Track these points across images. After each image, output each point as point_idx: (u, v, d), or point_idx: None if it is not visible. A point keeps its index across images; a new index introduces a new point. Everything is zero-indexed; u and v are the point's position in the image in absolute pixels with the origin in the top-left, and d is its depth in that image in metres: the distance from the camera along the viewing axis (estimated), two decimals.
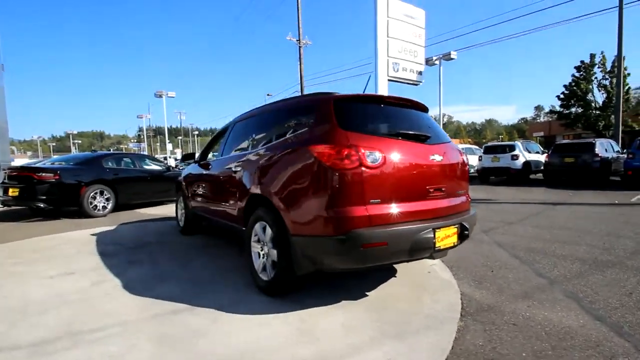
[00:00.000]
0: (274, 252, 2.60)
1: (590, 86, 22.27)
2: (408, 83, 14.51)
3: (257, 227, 2.85)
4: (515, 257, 3.68)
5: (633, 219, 5.67)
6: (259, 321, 2.33)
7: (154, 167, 8.86)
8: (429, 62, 17.90)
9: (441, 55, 18.31)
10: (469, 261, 3.57)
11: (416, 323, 2.30)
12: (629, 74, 20.42)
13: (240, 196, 3.12)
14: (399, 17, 14.33)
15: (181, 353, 1.96)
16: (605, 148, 11.06)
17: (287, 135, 2.71)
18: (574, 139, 19.73)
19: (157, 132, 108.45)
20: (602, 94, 22.14)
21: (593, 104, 22.33)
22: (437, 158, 2.54)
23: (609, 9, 13.35)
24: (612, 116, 21.78)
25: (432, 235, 2.28)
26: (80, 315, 2.44)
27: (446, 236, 2.41)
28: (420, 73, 15.22)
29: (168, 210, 7.76)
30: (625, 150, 11.67)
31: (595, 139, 11.63)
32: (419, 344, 2.03)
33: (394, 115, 2.64)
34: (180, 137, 64.04)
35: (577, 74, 22.44)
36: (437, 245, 2.32)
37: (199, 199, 4.44)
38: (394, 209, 2.27)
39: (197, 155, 4.85)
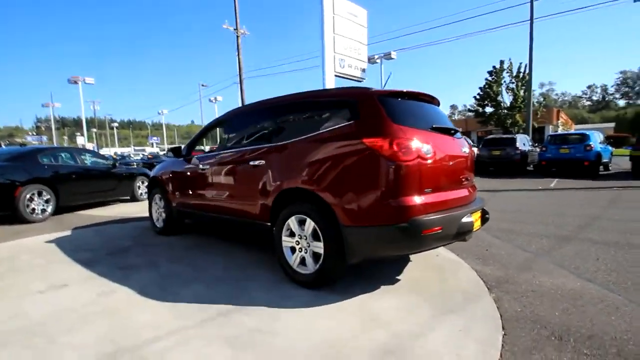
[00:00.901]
0: (319, 244, 2.63)
1: (500, 89, 25.83)
2: (353, 79, 15.08)
3: (292, 221, 2.83)
4: (496, 237, 4.24)
5: (561, 200, 6.87)
6: (319, 313, 2.36)
7: (98, 162, 7.87)
8: (371, 60, 18.81)
9: (382, 55, 19.40)
10: (461, 243, 4.00)
11: (458, 298, 2.57)
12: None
13: (266, 191, 3.04)
14: (344, 15, 14.71)
15: (265, 354, 1.92)
16: (523, 142, 13.05)
17: (327, 128, 2.73)
18: (487, 134, 22.78)
19: (62, 123, 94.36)
20: (510, 95, 25.87)
21: (502, 104, 25.98)
22: (465, 150, 2.84)
23: (521, 21, 15.67)
24: (518, 115, 25.51)
25: (472, 219, 2.57)
26: (117, 330, 2.18)
27: (475, 220, 2.72)
28: (363, 70, 15.85)
29: (118, 211, 7.02)
30: (537, 144, 13.90)
31: (516, 135, 13.63)
32: (473, 315, 2.30)
33: (423, 110, 2.85)
34: (94, 130, 56.70)
35: (489, 78, 25.85)
36: (474, 228, 2.62)
37: (189, 195, 4.15)
38: (441, 197, 2.50)
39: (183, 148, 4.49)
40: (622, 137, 35.33)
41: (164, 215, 4.67)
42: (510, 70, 24.99)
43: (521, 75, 24.50)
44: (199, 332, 2.14)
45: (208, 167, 3.81)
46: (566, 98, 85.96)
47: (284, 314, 2.36)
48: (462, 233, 2.56)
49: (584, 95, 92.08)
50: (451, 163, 2.66)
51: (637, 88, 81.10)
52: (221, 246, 4.05)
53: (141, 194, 8.55)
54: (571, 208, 6.07)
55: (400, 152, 2.32)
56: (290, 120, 3.16)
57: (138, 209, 7.08)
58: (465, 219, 2.53)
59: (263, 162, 3.11)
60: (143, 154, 28.64)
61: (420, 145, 2.41)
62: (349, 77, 14.93)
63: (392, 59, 18.96)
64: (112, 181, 7.75)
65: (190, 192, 4.14)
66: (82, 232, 5.06)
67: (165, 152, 38.36)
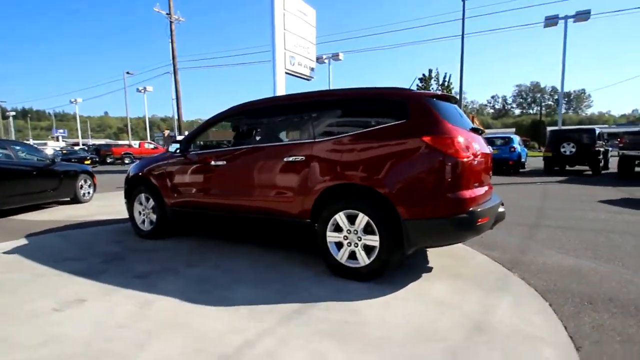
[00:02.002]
0: (373, 238, 2.74)
1: None
2: (302, 78, 15.27)
3: (339, 217, 2.88)
4: None
5: (505, 195, 7.97)
6: (388, 303, 2.48)
7: (34, 158, 6.67)
8: (319, 60, 19.11)
9: (330, 55, 19.84)
10: None
11: (491, 279, 2.92)
12: (452, 88, 27.21)
13: (307, 188, 3.03)
14: (294, 12, 14.79)
15: (370, 342, 1.98)
16: None
17: (377, 126, 2.85)
18: None
19: None
20: None
21: None
22: (489, 149, 3.21)
23: (453, 35, 17.54)
24: None
25: (504, 210, 2.94)
26: (199, 340, 2.01)
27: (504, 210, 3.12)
28: (312, 69, 16.15)
29: (65, 214, 6.13)
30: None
31: None
32: (516, 292, 2.65)
33: (456, 111, 3.13)
34: None
35: (420, 85, 28.38)
36: (504, 218, 3.00)
37: (193, 194, 3.86)
38: (481, 190, 2.81)
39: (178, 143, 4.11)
40: (524, 140, 42.13)
41: (154, 216, 4.24)
42: (437, 78, 27.73)
43: (446, 83, 27.36)
44: (290, 330, 2.10)
45: (223, 163, 3.60)
46: (475, 106, 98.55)
47: (356, 306, 2.42)
48: (497, 222, 2.91)
49: (489, 104, 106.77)
50: (483, 160, 3.00)
51: (529, 99, 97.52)
52: (233, 247, 3.86)
53: (84, 194, 7.53)
54: (519, 201, 7.11)
55: (460, 150, 2.56)
56: (329, 117, 3.18)
57: (86, 212, 6.29)
58: (500, 209, 2.89)
59: (302, 158, 3.08)
60: (55, 150, 24.70)
61: (470, 144, 2.69)
62: (298, 75, 15.05)
63: (339, 60, 19.56)
64: (52, 180, 6.67)
65: (196, 191, 3.85)
66: (45, 240, 4.32)
67: (83, 147, 33.63)
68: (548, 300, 2.52)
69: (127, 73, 35.18)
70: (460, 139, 2.60)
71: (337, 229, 2.94)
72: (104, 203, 7.43)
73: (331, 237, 2.95)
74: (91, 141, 52.61)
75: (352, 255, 2.88)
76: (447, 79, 27.31)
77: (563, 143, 12.07)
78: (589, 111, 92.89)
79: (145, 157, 4.63)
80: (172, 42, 23.49)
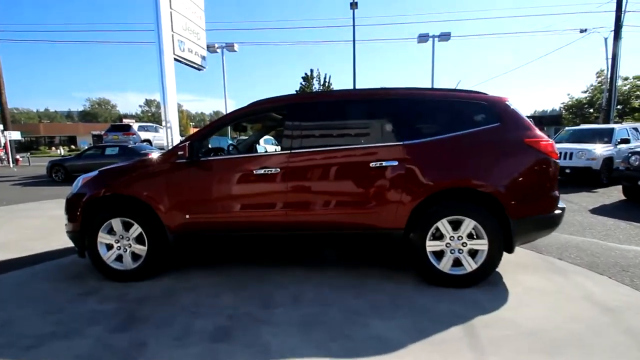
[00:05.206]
0: (480, 242, 2.72)
1: None
2: (193, 66, 13.61)
3: (442, 223, 2.73)
4: None
5: None
6: (521, 301, 2.52)
7: None
8: (210, 48, 17.22)
9: (224, 45, 18.06)
10: None
11: (557, 265, 3.25)
12: (332, 88, 29.29)
13: (404, 195, 2.72)
14: None
15: (550, 345, 1.96)
16: None
17: (478, 128, 2.80)
18: None
19: None
20: None
21: None
22: None
23: (345, 40, 18.53)
24: None
25: None
26: None
27: None
28: (204, 58, 14.61)
29: None
30: None
31: None
32: (586, 275, 3.04)
33: None
34: None
35: (303, 83, 29.33)
36: None
37: (226, 210, 2.95)
38: None
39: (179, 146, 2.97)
40: None
41: (141, 248, 3.02)
42: (319, 78, 29.29)
43: (327, 84, 29.18)
44: (472, 346, 1.88)
45: (276, 170, 2.84)
46: None
47: (503, 315, 2.36)
48: None
49: None
50: None
51: None
52: (281, 273, 3.14)
53: None
54: None
55: (555, 151, 2.79)
56: (417, 117, 2.91)
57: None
58: None
59: (395, 162, 2.74)
60: None
61: None
62: (189, 62, 13.35)
63: (234, 51, 18.05)
64: None
65: (227, 206, 2.94)
66: None
67: None
68: (607, 275, 3.02)
69: None
70: (551, 141, 2.84)
71: (438, 236, 2.77)
72: None
73: (431, 246, 2.76)
74: None
75: (458, 263, 2.77)
76: (327, 80, 29.17)
77: None
78: None
79: (111, 165, 3.23)
80: None
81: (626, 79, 25.21)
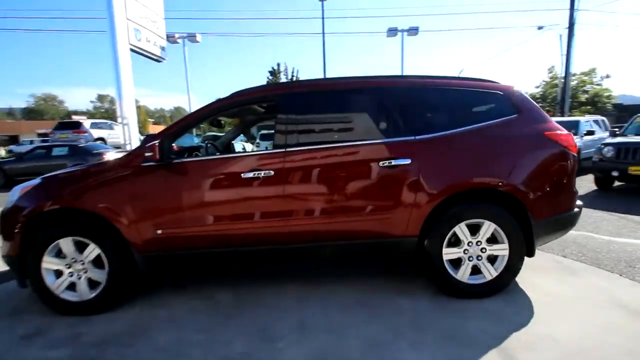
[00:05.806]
0: (501, 246, 2.45)
1: None
2: (152, 57, 12.59)
3: (459, 228, 2.43)
4: None
5: None
6: (549, 309, 2.29)
7: None
8: (171, 38, 15.94)
9: (185, 35, 16.79)
10: None
11: (575, 267, 3.06)
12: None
13: (419, 197, 2.38)
14: None
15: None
16: None
17: (495, 120, 2.50)
18: None
19: None
20: None
21: None
22: None
23: (316, 33, 18.12)
24: None
25: None
26: None
27: None
28: (163, 49, 13.55)
29: None
30: None
31: None
32: (609, 275, 2.87)
33: None
34: None
35: (270, 77, 28.48)
36: None
37: (206, 223, 2.44)
38: None
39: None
40: None
41: (99, 274, 2.45)
42: (286, 72, 28.55)
43: (294, 78, 28.49)
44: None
45: (269, 172, 2.38)
46: None
47: (539, 330, 2.09)
48: None
49: None
50: None
51: None
52: (275, 292, 2.69)
53: None
54: None
55: (574, 144, 2.57)
56: (426, 109, 2.57)
57: None
58: None
59: (408, 161, 2.39)
60: None
61: None
62: (146, 53, 12.29)
63: (197, 42, 16.86)
64: None
65: (208, 218, 2.44)
66: None
67: None
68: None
69: None
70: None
71: (455, 242, 2.47)
72: None
73: (447, 253, 2.46)
74: None
75: (476, 271, 2.49)
76: (294, 74, 28.50)
77: None
78: None
79: (58, 171, 2.57)
80: None
81: (574, 75, 27.01)
